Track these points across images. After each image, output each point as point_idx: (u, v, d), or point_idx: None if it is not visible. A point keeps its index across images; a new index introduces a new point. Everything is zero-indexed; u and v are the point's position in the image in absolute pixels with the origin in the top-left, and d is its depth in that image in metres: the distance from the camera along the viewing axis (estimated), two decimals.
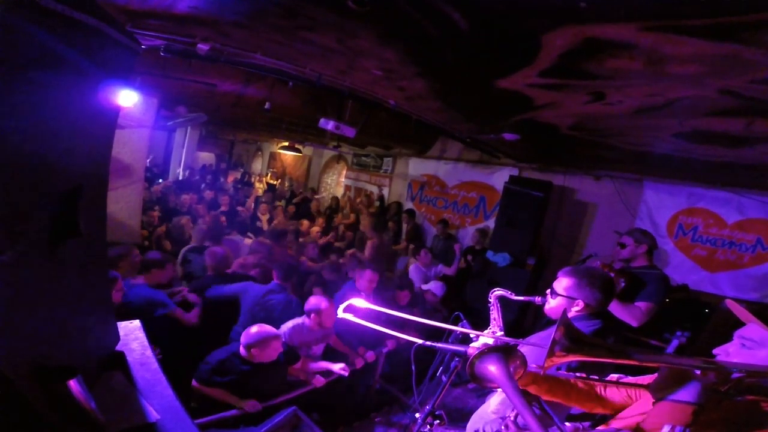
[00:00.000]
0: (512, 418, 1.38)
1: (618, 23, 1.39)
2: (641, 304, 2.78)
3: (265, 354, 2.61)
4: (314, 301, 3.08)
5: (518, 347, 1.19)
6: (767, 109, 2.10)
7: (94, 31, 1.09)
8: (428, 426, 1.33)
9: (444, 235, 6.45)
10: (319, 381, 2.98)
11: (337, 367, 3.00)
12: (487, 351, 1.12)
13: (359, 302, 1.48)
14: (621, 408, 1.33)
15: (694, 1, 1.19)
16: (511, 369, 1.11)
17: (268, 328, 2.67)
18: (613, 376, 1.44)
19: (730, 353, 1.17)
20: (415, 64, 2.31)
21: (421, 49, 2.06)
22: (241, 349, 2.62)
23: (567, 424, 1.47)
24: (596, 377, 1.43)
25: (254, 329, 2.62)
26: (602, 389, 1.40)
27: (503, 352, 1.12)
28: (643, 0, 1.22)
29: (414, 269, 5.29)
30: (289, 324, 3.10)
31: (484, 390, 3.00)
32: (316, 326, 3.07)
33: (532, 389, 1.41)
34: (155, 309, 2.96)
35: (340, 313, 1.44)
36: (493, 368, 1.08)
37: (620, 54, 1.64)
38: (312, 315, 3.04)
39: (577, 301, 1.74)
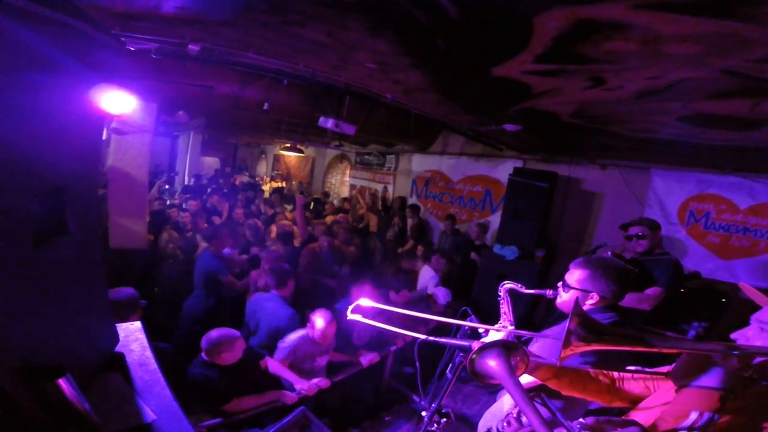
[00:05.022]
0: (515, 415, 1.35)
1: (608, 2, 1.34)
2: (650, 290, 2.75)
3: (232, 355, 2.55)
4: (317, 315, 2.99)
5: (522, 341, 1.16)
6: None
7: (74, 31, 1.09)
8: (435, 425, 1.30)
9: (451, 231, 6.40)
10: (324, 383, 2.92)
11: (305, 385, 2.84)
12: (487, 346, 1.08)
13: (367, 302, 1.45)
14: (639, 399, 1.29)
15: None
16: (513, 364, 1.08)
17: (228, 330, 2.61)
18: (630, 368, 1.40)
19: (749, 337, 1.12)
20: (409, 55, 2.28)
21: (413, 39, 2.03)
22: (204, 356, 2.54)
23: (583, 419, 1.44)
24: (614, 370, 1.39)
25: (214, 333, 2.54)
26: (620, 381, 1.36)
27: (504, 346, 1.09)
28: None
29: (429, 275, 4.91)
30: (293, 336, 3.01)
31: (496, 387, 2.96)
32: (319, 339, 2.99)
33: (552, 384, 1.37)
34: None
35: (350, 315, 1.42)
36: (493, 363, 1.05)
37: (614, 35, 1.60)
38: (315, 328, 2.97)
39: (591, 293, 1.67)
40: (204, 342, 2.53)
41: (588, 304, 1.69)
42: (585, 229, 5.71)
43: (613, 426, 1.05)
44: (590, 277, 1.68)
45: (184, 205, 6.71)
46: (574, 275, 1.72)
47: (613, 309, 1.73)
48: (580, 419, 1.06)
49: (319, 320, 2.94)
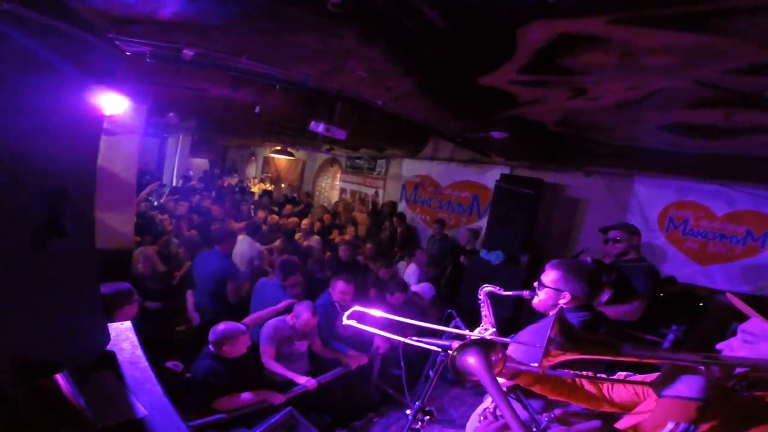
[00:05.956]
0: (491, 409, 1.39)
1: (587, 17, 1.43)
2: (635, 303, 2.82)
3: (236, 349, 2.67)
4: (299, 308, 3.17)
5: (505, 342, 1.20)
6: (743, 99, 2.15)
7: (75, 39, 1.13)
8: (419, 423, 1.34)
9: (440, 235, 6.47)
10: (311, 383, 2.98)
11: (303, 380, 3.00)
12: (467, 344, 1.13)
13: (362, 309, 1.50)
14: (631, 405, 1.29)
15: None
16: (493, 361, 1.13)
17: (235, 324, 2.75)
18: (621, 374, 1.41)
19: (733, 348, 1.11)
20: (399, 63, 2.35)
21: (403, 48, 2.10)
22: (212, 348, 2.67)
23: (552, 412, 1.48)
24: (604, 376, 1.39)
25: (221, 326, 2.69)
26: (609, 388, 1.36)
27: (483, 345, 1.13)
28: None
29: (411, 270, 5.30)
30: (271, 321, 3.19)
31: (481, 389, 3.01)
32: (301, 328, 3.17)
33: (536, 389, 1.38)
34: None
35: (345, 321, 1.46)
36: (472, 360, 1.08)
37: (594, 48, 1.69)
38: (293, 317, 3.17)
39: (563, 293, 1.76)
40: (211, 334, 2.66)
41: (561, 303, 1.77)
42: (569, 234, 5.83)
43: (578, 418, 1.07)
44: (563, 277, 1.78)
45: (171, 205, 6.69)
46: (549, 276, 1.81)
47: (587, 308, 1.82)
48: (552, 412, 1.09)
49: (305, 312, 3.13)
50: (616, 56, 1.78)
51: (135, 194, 4.75)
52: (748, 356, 1.05)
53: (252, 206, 8.23)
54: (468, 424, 2.25)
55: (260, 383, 2.83)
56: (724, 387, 0.99)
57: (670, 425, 0.96)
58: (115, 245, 4.16)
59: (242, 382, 2.68)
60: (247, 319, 3.19)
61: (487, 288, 1.90)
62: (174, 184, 9.74)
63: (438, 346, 1.28)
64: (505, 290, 1.87)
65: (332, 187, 10.78)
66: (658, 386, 1.12)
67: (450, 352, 1.15)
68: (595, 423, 1.00)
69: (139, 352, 1.62)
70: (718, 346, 1.14)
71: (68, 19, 1.07)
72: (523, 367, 1.39)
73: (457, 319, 2.92)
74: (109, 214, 4.10)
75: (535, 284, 1.84)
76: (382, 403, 3.72)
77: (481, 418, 1.38)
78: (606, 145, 4.03)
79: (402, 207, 8.00)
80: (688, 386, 1.01)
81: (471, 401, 3.85)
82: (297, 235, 6.34)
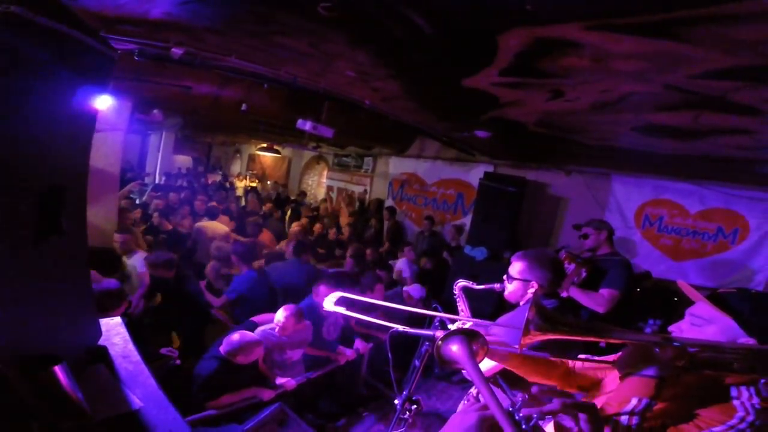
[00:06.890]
0: (474, 394, 1.47)
1: (562, 24, 1.52)
2: (605, 291, 2.94)
3: (249, 358, 2.64)
4: (280, 309, 3.03)
5: (486, 325, 1.27)
6: (709, 102, 2.28)
7: (72, 40, 1.15)
8: (407, 412, 1.40)
9: (428, 232, 6.56)
10: (290, 384, 2.97)
11: (281, 380, 2.95)
12: (451, 333, 1.20)
13: (346, 294, 1.53)
14: (588, 387, 1.38)
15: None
16: (474, 349, 1.20)
17: (249, 335, 2.69)
18: (581, 357, 1.49)
19: (683, 330, 1.21)
20: (387, 66, 2.41)
21: (390, 51, 2.16)
22: (223, 353, 2.63)
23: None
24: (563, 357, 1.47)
25: (236, 336, 2.61)
26: (575, 369, 1.45)
27: (466, 334, 1.21)
28: (579, 2, 1.35)
29: (403, 264, 5.36)
30: (258, 329, 3.07)
31: (468, 384, 3.10)
32: (280, 332, 3.02)
33: (520, 371, 1.45)
34: None
35: (329, 307, 1.49)
36: (455, 348, 1.15)
37: (569, 52, 1.78)
38: (280, 328, 3.01)
39: (531, 282, 1.84)
40: (225, 345, 2.60)
41: (529, 293, 1.85)
42: (551, 231, 5.98)
43: (548, 395, 1.16)
44: (528, 267, 1.86)
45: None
46: (516, 267, 1.89)
47: (555, 296, 1.92)
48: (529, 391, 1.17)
49: (280, 313, 2.98)
50: (589, 60, 1.87)
51: (117, 191, 4.69)
52: (696, 338, 1.14)
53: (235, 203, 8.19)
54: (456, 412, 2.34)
55: (257, 382, 2.83)
56: (676, 366, 1.06)
57: (634, 400, 1.03)
58: (96, 243, 4.11)
59: (242, 383, 2.68)
60: (256, 318, 3.14)
61: (462, 283, 1.98)
62: (156, 181, 9.60)
63: (423, 335, 1.35)
64: (478, 284, 1.95)
65: (319, 184, 10.78)
66: (621, 366, 1.20)
67: (435, 341, 1.22)
68: (558, 404, 1.08)
69: (131, 346, 1.65)
70: (670, 328, 1.24)
71: (66, 21, 1.10)
72: (505, 349, 1.47)
73: (442, 312, 3.00)
74: (92, 211, 4.04)
75: (504, 277, 1.92)
76: (371, 399, 3.79)
77: (465, 401, 1.45)
78: (584, 145, 4.16)
79: (389, 204, 8.07)
80: (648, 366, 1.08)
81: (457, 395, 3.95)
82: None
